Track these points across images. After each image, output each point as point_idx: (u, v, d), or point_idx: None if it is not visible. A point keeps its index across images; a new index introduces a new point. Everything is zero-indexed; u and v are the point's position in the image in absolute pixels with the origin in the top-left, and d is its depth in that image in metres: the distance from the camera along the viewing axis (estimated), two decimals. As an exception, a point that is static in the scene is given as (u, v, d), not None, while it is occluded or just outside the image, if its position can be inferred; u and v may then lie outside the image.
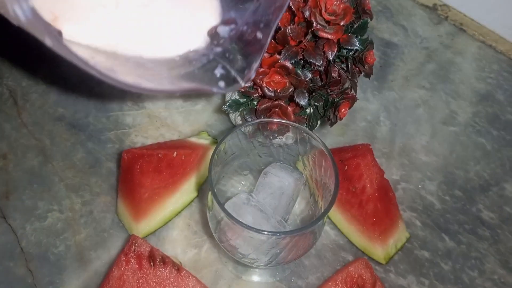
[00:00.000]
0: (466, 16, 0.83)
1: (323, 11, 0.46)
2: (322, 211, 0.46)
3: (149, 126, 0.67)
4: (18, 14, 0.25)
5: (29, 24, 0.26)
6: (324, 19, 0.46)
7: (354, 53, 0.50)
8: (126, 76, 0.34)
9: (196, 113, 0.69)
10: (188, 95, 0.70)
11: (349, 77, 0.51)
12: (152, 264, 0.52)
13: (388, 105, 0.72)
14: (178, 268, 0.53)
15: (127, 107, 0.69)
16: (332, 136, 0.68)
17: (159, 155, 0.58)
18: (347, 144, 0.67)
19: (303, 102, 0.50)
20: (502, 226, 0.62)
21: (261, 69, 0.49)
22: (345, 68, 0.52)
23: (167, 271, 0.52)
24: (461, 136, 0.70)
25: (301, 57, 0.49)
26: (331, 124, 0.54)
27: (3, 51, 0.74)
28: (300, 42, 0.48)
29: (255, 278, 0.57)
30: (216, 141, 0.64)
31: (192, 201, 0.60)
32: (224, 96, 0.68)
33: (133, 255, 0.52)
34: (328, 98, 0.52)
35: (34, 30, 0.27)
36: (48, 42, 0.27)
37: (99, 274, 0.56)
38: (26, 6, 0.25)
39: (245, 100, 0.56)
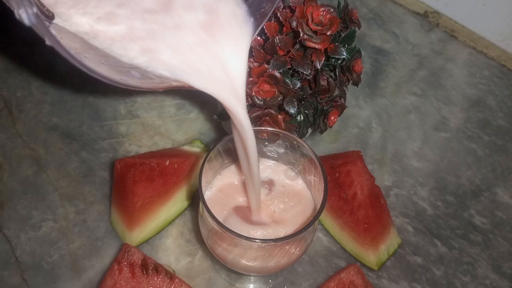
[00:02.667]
0: (457, 23, 0.84)
1: (309, 21, 0.47)
2: (312, 217, 0.46)
3: (142, 135, 0.68)
4: (22, 18, 0.27)
5: (33, 27, 0.28)
6: (311, 29, 0.47)
7: (341, 62, 0.51)
8: (112, 73, 0.34)
9: (190, 122, 0.70)
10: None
11: (338, 85, 0.52)
12: (145, 272, 0.53)
13: (380, 112, 0.73)
14: (171, 276, 0.53)
15: (121, 116, 0.70)
16: (324, 143, 0.68)
17: (152, 164, 0.59)
18: (340, 150, 0.67)
19: (292, 110, 0.50)
20: (494, 231, 0.63)
21: (250, 79, 0.50)
22: (333, 77, 0.52)
23: (160, 279, 0.53)
24: (453, 142, 0.71)
25: (289, 66, 0.49)
26: (321, 132, 0.55)
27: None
28: (289, 51, 0.49)
29: (249, 285, 0.58)
30: (209, 149, 0.65)
31: (185, 209, 0.61)
32: (217, 104, 0.69)
33: (126, 263, 0.53)
34: (318, 106, 0.53)
35: (36, 30, 0.29)
36: (48, 42, 0.29)
37: (93, 283, 0.56)
38: (31, 12, 0.27)
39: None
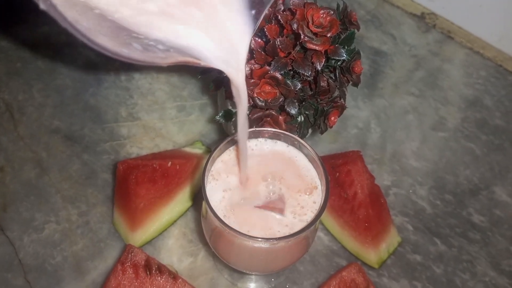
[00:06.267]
0: (454, 24, 0.85)
1: (310, 23, 0.47)
2: (314, 217, 0.47)
3: (144, 137, 0.69)
4: None
5: None
6: (312, 31, 0.48)
7: (341, 63, 0.52)
8: (113, 44, 0.34)
9: (190, 123, 0.70)
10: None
11: (338, 86, 0.53)
12: (148, 273, 0.53)
13: (378, 112, 0.74)
14: (174, 276, 0.53)
15: (122, 119, 0.70)
16: (324, 144, 0.69)
17: (154, 165, 0.59)
18: (339, 151, 0.68)
19: (293, 111, 0.51)
20: (492, 229, 0.64)
21: (252, 80, 0.50)
22: (333, 78, 0.53)
23: (163, 279, 0.53)
24: (451, 142, 0.71)
25: (290, 68, 0.50)
26: (322, 132, 0.56)
27: None
28: (289, 53, 0.50)
29: (251, 285, 0.58)
30: (210, 150, 0.65)
31: (187, 210, 0.61)
32: (217, 106, 0.69)
33: (129, 264, 0.53)
34: (318, 107, 0.53)
35: None
36: (42, 6, 0.29)
37: (96, 284, 0.56)
38: None
39: (237, 110, 0.57)
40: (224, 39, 0.40)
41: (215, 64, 0.39)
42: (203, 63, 0.38)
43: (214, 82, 0.57)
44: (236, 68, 0.41)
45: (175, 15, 0.38)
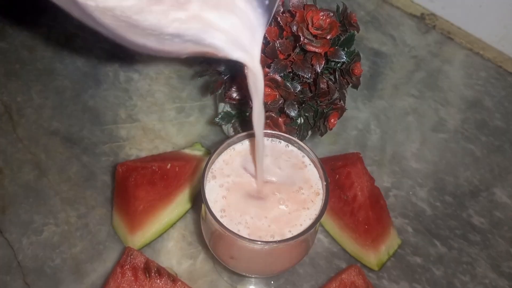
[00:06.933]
0: (454, 25, 0.85)
1: (310, 25, 0.47)
2: (314, 219, 0.47)
3: (143, 139, 0.68)
4: None
5: None
6: (311, 33, 0.47)
7: (341, 65, 0.52)
8: (130, 36, 0.33)
9: (190, 125, 0.70)
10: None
11: (338, 88, 0.53)
12: (147, 275, 0.53)
13: (378, 114, 0.73)
14: (173, 279, 0.53)
15: (121, 120, 0.70)
16: (324, 145, 0.69)
17: (153, 167, 0.59)
18: (339, 152, 0.68)
19: (293, 113, 0.51)
20: (492, 230, 0.64)
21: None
22: (333, 80, 0.53)
23: (162, 282, 0.53)
24: (451, 143, 0.71)
25: (290, 70, 0.50)
26: (321, 134, 0.55)
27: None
28: (289, 55, 0.50)
29: (250, 287, 0.58)
30: (210, 152, 0.65)
31: (186, 212, 0.61)
32: (217, 107, 0.69)
33: (128, 267, 0.53)
34: (318, 109, 0.53)
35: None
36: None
37: (96, 287, 0.56)
38: None
39: (237, 111, 0.57)
40: (240, 28, 0.39)
41: (231, 54, 0.38)
42: (221, 54, 0.38)
43: (214, 83, 0.56)
44: (251, 57, 0.39)
45: (189, 9, 0.37)
